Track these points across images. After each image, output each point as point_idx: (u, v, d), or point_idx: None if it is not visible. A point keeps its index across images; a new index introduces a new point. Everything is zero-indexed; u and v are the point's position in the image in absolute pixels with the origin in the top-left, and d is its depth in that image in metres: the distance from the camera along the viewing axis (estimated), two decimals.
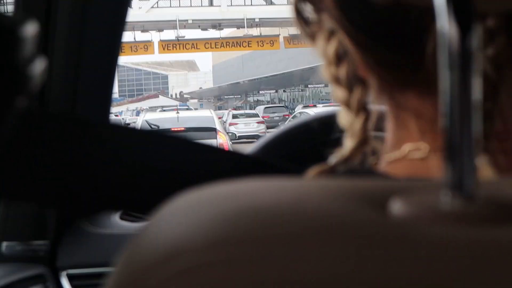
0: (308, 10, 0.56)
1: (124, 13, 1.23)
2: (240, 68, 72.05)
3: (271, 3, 37.09)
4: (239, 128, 26.86)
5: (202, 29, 39.17)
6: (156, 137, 0.69)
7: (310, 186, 0.34)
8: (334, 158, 0.55)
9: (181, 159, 0.68)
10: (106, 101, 1.30)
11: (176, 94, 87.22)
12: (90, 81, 1.25)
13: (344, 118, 0.55)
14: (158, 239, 0.30)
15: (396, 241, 0.28)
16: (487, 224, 0.29)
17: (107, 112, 1.30)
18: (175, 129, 12.47)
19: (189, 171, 0.68)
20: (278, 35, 38.70)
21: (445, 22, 0.31)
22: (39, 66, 0.57)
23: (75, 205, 0.69)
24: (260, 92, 61.47)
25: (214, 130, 12.53)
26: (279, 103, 53.79)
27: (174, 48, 37.54)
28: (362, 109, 0.53)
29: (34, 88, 0.56)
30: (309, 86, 52.43)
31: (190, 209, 0.32)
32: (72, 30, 1.19)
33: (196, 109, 66.47)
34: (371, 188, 0.34)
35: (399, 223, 0.30)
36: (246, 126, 26.82)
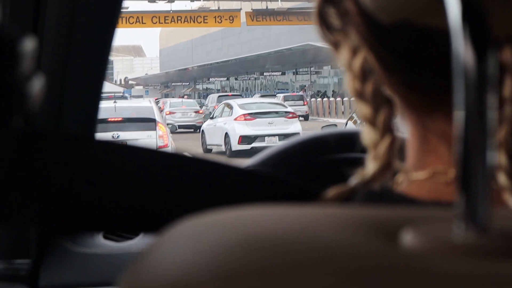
0: (333, 15, 0.53)
1: (112, 30, 1.21)
2: (190, 54, 67.99)
3: None
4: (176, 118, 26.90)
5: (150, 1, 34.02)
6: (145, 154, 0.65)
7: (317, 215, 0.33)
8: (354, 179, 0.53)
9: (173, 177, 0.65)
10: (92, 115, 1.28)
11: (121, 80, 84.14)
12: (76, 96, 1.25)
13: (369, 137, 0.52)
14: (160, 267, 0.29)
15: (406, 274, 0.27)
16: (501, 258, 0.29)
17: (93, 127, 1.29)
18: (112, 119, 11.80)
19: (185, 190, 0.64)
20: (239, 10, 33.82)
21: (461, 46, 0.31)
22: (37, 84, 0.55)
23: (58, 224, 0.67)
24: (210, 79, 57.34)
25: (153, 121, 11.90)
26: (230, 92, 49.91)
27: None
28: (388, 130, 0.51)
29: (32, 107, 0.55)
30: (265, 73, 48.52)
31: (194, 237, 0.31)
32: (58, 43, 1.19)
33: (140, 96, 63.14)
34: (382, 217, 0.33)
35: (409, 255, 0.29)
36: (184, 115, 26.91)
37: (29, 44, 0.53)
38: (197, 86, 62.10)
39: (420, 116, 0.51)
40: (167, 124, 21.02)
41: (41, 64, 1.16)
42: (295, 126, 17.98)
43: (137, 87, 73.61)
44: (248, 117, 17.88)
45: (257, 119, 17.89)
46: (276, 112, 18.54)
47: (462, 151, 0.30)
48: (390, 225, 0.32)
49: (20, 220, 0.67)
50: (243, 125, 17.71)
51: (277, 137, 17.34)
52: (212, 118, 19.55)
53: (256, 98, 25.68)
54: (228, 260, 0.29)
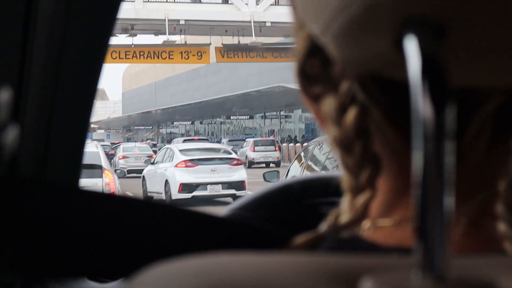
0: (315, 66, 0.49)
1: (97, 75, 1.21)
2: (153, 96, 65.76)
3: (200, 1, 29.36)
4: (129, 162, 27.13)
5: None
6: (129, 204, 0.69)
7: (281, 263, 0.34)
8: (325, 225, 0.51)
9: (154, 227, 0.68)
10: (77, 164, 1.28)
11: None
12: (62, 144, 1.25)
13: (348, 185, 0.50)
14: None
15: None
16: None
17: (78, 175, 1.29)
18: None
19: (162, 239, 0.68)
20: (208, 45, 30.73)
21: (419, 99, 0.32)
22: (11, 134, 0.56)
23: (42, 269, 0.69)
24: (174, 123, 55.15)
25: (99, 168, 11.62)
26: (195, 136, 47.65)
27: None
28: (370, 186, 0.48)
29: (5, 157, 0.56)
30: (231, 117, 46.41)
31: (160, 285, 0.32)
32: (45, 89, 1.18)
33: (102, 140, 60.91)
34: (343, 265, 0.33)
35: None
36: (137, 160, 26.99)
37: (3, 95, 0.51)
38: (161, 130, 59.83)
39: (398, 158, 0.49)
40: (117, 170, 21.47)
41: (26, 112, 1.16)
42: (240, 174, 16.68)
43: (99, 131, 71.36)
44: (190, 163, 16.63)
45: (199, 166, 16.64)
46: (220, 159, 17.24)
47: (419, 200, 0.31)
48: (350, 273, 0.32)
49: (3, 266, 0.69)
50: (184, 172, 16.47)
51: (220, 185, 16.21)
52: (153, 163, 18.12)
53: (198, 143, 24.03)
54: None
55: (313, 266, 0.33)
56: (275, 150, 30.82)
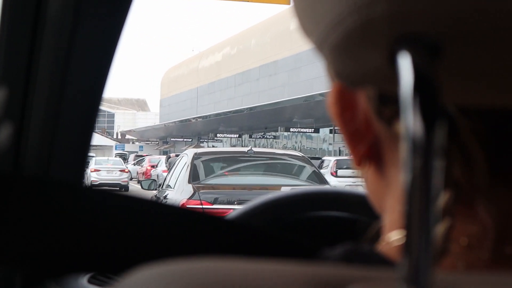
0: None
1: (106, 75, 1.22)
2: (194, 104, 56.28)
3: None
4: (101, 175, 26.91)
5: None
6: (133, 202, 0.70)
7: (268, 270, 0.34)
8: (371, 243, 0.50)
9: (156, 225, 0.69)
10: (82, 161, 1.31)
11: (118, 134, 74.51)
12: (67, 143, 1.28)
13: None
14: None
15: None
16: None
17: (82, 171, 1.31)
18: None
19: (164, 238, 0.68)
20: None
21: (410, 115, 0.32)
22: (4, 131, 0.60)
23: (42, 266, 0.70)
24: (218, 135, 45.17)
25: None
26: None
27: None
28: (448, 213, 0.44)
29: (4, 153, 0.59)
30: (291, 129, 36.12)
31: (142, 286, 0.33)
32: (51, 88, 1.22)
33: (134, 152, 52.17)
34: (330, 276, 0.34)
35: None
36: (109, 173, 26.97)
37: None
38: (201, 144, 49.98)
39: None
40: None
41: (32, 109, 1.19)
42: None
43: (137, 143, 62.46)
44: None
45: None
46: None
47: (406, 214, 0.32)
48: (337, 283, 0.33)
49: (4, 261, 0.71)
50: None
51: None
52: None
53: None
54: None
55: (298, 275, 0.33)
56: None
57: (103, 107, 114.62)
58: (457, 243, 0.44)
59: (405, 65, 0.34)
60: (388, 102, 0.45)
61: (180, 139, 52.43)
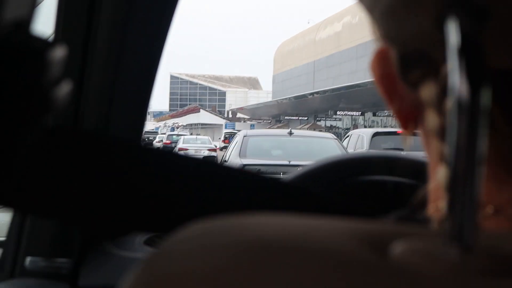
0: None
1: (165, 32, 1.28)
2: (310, 79, 51.73)
3: None
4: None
5: None
6: (187, 162, 0.70)
7: (315, 225, 0.35)
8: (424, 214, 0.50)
9: (213, 185, 0.70)
10: (140, 120, 1.35)
11: (228, 113, 71.78)
12: (126, 100, 1.33)
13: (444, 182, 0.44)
14: (160, 269, 0.32)
15: (388, 281, 0.29)
16: (483, 277, 0.30)
17: (140, 131, 1.36)
18: None
19: (220, 199, 0.70)
20: None
21: (456, 78, 0.33)
22: (64, 88, 0.62)
23: (101, 225, 0.72)
24: (338, 113, 40.41)
25: None
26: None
27: None
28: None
29: (59, 109, 0.62)
30: None
31: (194, 240, 0.34)
32: (111, 48, 1.28)
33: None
34: (377, 231, 0.35)
35: (395, 266, 0.31)
36: (197, 152, 26.20)
37: (58, 53, 0.60)
38: (318, 123, 45.39)
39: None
40: None
41: (92, 69, 1.27)
42: None
43: (248, 122, 58.82)
44: None
45: None
46: None
47: (451, 174, 0.32)
48: (383, 238, 0.34)
49: (64, 219, 0.72)
50: None
51: None
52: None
53: None
54: (224, 259, 0.31)
55: (346, 230, 0.34)
56: None
57: (214, 85, 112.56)
58: (483, 211, 0.45)
59: (452, 28, 0.34)
60: (413, 65, 0.45)
61: (294, 117, 48.05)
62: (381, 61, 0.48)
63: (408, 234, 0.34)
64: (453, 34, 0.34)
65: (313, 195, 0.72)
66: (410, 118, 0.49)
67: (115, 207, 0.68)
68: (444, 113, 0.44)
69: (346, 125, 42.01)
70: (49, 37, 1.12)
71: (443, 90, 0.43)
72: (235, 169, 0.73)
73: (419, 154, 0.79)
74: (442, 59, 0.43)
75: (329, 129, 42.19)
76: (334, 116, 41.50)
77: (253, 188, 0.70)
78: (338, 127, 42.67)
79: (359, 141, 15.30)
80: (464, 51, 0.33)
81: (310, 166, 1.14)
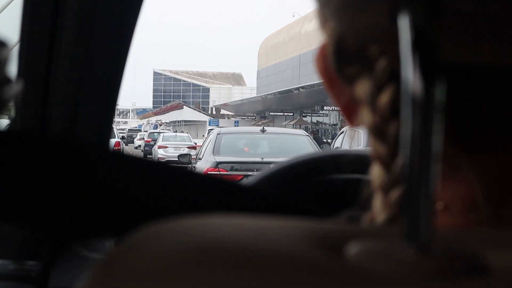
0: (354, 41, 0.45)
1: (131, 31, 1.27)
2: (296, 74, 50.30)
3: None
4: (168, 152, 26.73)
5: None
6: (153, 167, 0.71)
7: (270, 225, 0.35)
8: (364, 222, 0.50)
9: (178, 190, 0.70)
10: (108, 120, 1.33)
11: (212, 109, 70.50)
12: (92, 101, 1.32)
13: (379, 180, 0.46)
14: (113, 272, 0.32)
15: (339, 282, 0.29)
16: (438, 277, 0.30)
17: (108, 131, 1.34)
18: None
19: (187, 202, 0.70)
20: None
21: (409, 72, 0.33)
22: (12, 89, 0.62)
23: (69, 228, 0.71)
24: (325, 108, 38.97)
25: None
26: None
27: None
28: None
29: (4, 110, 0.61)
30: None
31: (149, 241, 0.33)
32: (76, 50, 1.27)
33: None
34: (331, 232, 0.34)
35: (348, 266, 0.30)
36: (176, 150, 25.92)
37: (3, 53, 0.59)
38: (304, 119, 43.93)
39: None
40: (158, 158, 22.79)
41: (58, 71, 1.26)
42: None
43: (232, 118, 57.41)
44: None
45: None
46: None
47: (406, 172, 0.32)
48: (337, 239, 0.33)
49: (33, 223, 0.71)
50: None
51: None
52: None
53: None
54: (174, 261, 0.31)
55: (301, 231, 0.34)
56: None
57: (198, 81, 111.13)
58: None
59: (405, 23, 0.34)
60: (349, 62, 0.45)
61: (279, 113, 46.61)
62: (323, 57, 0.48)
63: (363, 234, 0.34)
64: (406, 29, 0.34)
65: (270, 197, 0.72)
66: (352, 114, 0.48)
67: (82, 210, 0.67)
68: (378, 111, 0.43)
69: (333, 120, 40.56)
70: None
71: (377, 87, 0.43)
72: (196, 173, 0.74)
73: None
74: (377, 56, 0.43)
75: (316, 125, 40.82)
76: (321, 112, 40.04)
77: (213, 191, 0.70)
78: (324, 123, 41.27)
79: (355, 138, 13.97)
80: (417, 46, 0.33)
81: (271, 169, 1.14)
